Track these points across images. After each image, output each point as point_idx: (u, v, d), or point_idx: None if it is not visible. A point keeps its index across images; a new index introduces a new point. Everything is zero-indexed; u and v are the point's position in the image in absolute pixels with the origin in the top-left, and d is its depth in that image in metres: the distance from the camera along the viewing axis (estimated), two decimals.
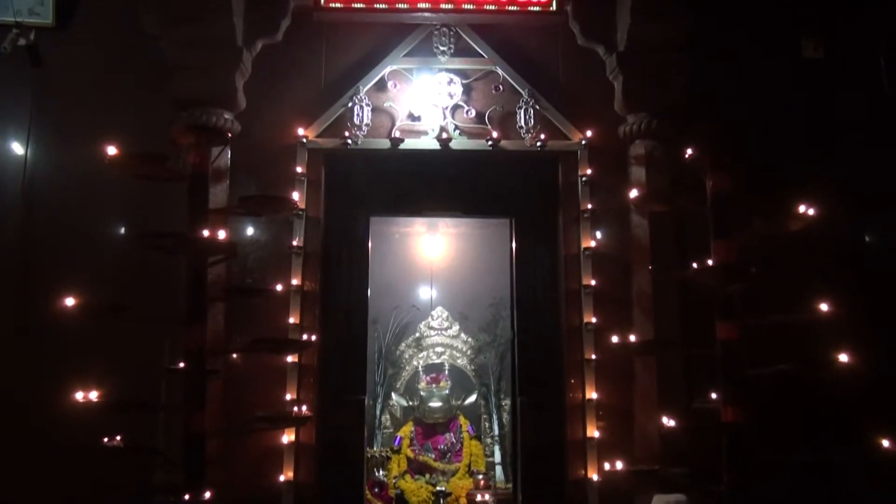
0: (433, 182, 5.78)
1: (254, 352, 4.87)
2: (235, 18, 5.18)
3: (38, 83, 5.43)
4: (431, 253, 7.66)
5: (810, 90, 5.65)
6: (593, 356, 5.34)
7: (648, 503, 4.67)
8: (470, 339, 7.16)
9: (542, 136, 5.51)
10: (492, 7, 5.64)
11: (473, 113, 5.64)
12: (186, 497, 4.00)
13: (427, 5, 5.62)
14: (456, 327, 7.23)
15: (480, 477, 6.17)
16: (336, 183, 5.70)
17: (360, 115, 5.48)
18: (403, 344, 7.16)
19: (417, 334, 7.20)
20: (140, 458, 4.54)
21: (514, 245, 5.81)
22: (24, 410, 4.95)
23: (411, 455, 6.44)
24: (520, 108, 5.57)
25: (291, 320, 5.26)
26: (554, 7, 5.67)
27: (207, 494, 4.07)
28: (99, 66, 5.53)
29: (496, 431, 6.79)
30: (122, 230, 5.43)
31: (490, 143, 5.54)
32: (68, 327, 4.43)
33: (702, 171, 4.48)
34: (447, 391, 6.70)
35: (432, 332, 7.21)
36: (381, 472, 6.22)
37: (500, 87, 5.68)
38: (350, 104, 5.50)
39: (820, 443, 4.92)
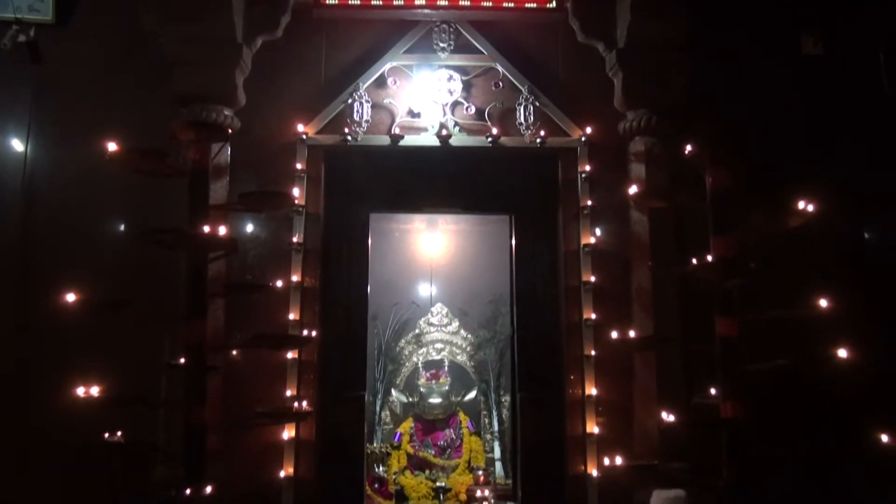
0: (433, 179, 5.78)
1: (254, 348, 4.88)
2: (235, 15, 5.19)
3: (37, 80, 5.42)
4: (431, 249, 7.67)
5: (810, 90, 5.65)
6: (593, 352, 5.34)
7: (648, 498, 4.69)
8: (470, 336, 7.18)
9: (542, 133, 5.52)
10: (488, 3, 5.66)
11: (473, 109, 5.64)
12: (187, 492, 4.02)
13: (423, 2, 5.62)
14: (455, 324, 7.24)
15: (480, 473, 6.18)
16: (336, 179, 5.70)
17: (360, 111, 5.49)
18: (403, 340, 7.18)
19: (417, 331, 7.22)
20: (140, 453, 4.57)
21: (513, 241, 5.82)
22: (25, 407, 4.96)
23: (411, 451, 6.45)
24: (519, 104, 5.57)
25: (291, 316, 5.27)
26: (553, 4, 5.69)
27: (208, 490, 4.09)
28: (99, 62, 5.53)
29: (496, 427, 6.80)
30: (123, 227, 5.42)
31: (490, 139, 5.54)
32: (69, 323, 4.47)
33: (701, 168, 4.50)
34: (447, 387, 6.71)
35: (432, 329, 7.22)
36: (381, 468, 6.24)
37: (500, 83, 5.68)
38: (350, 101, 5.51)
39: (819, 438, 4.93)
